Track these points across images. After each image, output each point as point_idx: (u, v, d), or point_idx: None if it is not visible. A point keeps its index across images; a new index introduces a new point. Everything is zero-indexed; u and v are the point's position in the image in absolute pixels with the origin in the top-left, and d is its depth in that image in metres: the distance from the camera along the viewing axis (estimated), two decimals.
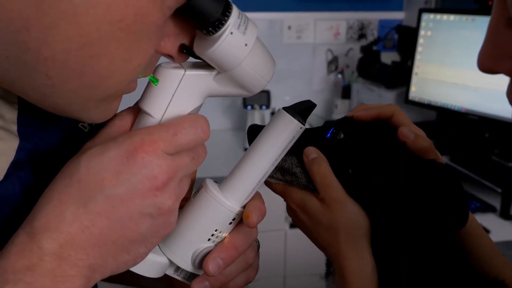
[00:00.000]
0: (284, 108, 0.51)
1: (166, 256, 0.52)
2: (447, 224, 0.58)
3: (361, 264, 0.57)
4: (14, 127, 0.44)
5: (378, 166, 0.59)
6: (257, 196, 0.53)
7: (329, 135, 0.62)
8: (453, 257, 0.60)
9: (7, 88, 0.41)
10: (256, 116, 2.36)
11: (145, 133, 0.42)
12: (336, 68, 2.64)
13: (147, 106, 0.46)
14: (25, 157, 0.45)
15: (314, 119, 2.52)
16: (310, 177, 0.60)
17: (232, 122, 2.62)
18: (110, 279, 0.54)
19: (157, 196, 0.42)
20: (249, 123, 2.31)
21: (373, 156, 0.60)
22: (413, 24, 2.13)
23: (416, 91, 2.07)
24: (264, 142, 0.51)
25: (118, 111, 0.48)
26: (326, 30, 2.60)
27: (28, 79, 0.38)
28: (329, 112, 2.66)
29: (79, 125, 0.52)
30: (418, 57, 2.04)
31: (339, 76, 2.62)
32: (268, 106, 2.37)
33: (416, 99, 2.07)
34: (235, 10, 0.43)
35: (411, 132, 0.60)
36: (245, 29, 0.44)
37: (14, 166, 0.44)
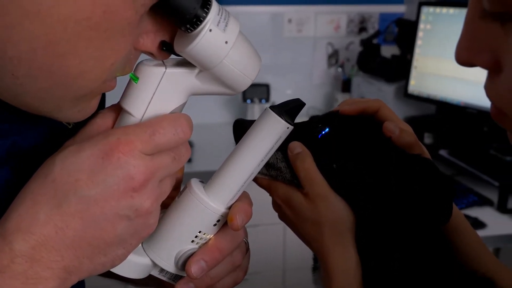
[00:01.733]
0: (271, 107, 0.49)
1: (149, 257, 0.51)
2: (432, 219, 0.57)
3: (345, 259, 0.57)
4: None
5: (362, 161, 0.59)
6: (243, 197, 0.52)
7: (320, 136, 0.62)
8: (439, 253, 0.60)
9: None
10: (255, 110, 2.37)
11: (122, 133, 0.41)
12: (337, 61, 2.63)
13: (127, 105, 0.45)
14: (3, 155, 0.44)
15: (315, 113, 2.52)
16: (294, 172, 0.60)
17: (232, 116, 2.61)
18: (101, 274, 0.54)
19: (134, 198, 0.41)
20: (249, 117, 2.31)
21: (358, 151, 0.60)
22: (414, 18, 2.12)
23: (416, 84, 2.06)
24: (249, 142, 0.49)
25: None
26: (327, 23, 2.59)
27: None
28: (329, 106, 2.66)
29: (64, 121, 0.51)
30: (417, 50, 2.03)
31: (340, 69, 2.61)
32: (268, 100, 2.36)
33: (416, 93, 2.06)
34: (214, 6, 0.42)
35: (396, 127, 0.59)
36: (226, 26, 0.43)
37: None
